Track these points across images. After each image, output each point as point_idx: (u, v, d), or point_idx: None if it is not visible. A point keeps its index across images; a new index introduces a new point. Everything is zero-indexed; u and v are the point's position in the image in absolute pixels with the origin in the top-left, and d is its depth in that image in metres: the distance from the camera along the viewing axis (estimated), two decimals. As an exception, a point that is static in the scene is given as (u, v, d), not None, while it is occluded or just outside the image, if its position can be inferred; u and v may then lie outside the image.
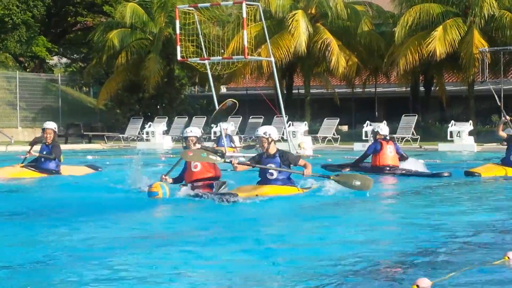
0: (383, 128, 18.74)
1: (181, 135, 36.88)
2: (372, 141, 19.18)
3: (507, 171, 17.50)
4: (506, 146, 17.91)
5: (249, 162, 13.54)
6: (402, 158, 18.54)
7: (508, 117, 17.63)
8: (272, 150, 12.99)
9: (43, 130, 18.18)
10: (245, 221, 11.29)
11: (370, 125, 31.82)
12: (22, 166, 18.04)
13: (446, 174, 17.79)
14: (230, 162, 13.46)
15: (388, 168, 18.13)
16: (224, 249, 8.72)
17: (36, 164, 18.00)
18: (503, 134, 17.47)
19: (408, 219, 11.56)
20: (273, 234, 10.06)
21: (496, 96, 18.06)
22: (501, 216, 11.81)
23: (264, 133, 12.94)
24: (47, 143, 17.85)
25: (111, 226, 10.86)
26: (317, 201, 13.26)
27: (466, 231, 10.13)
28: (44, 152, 17.79)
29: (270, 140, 12.90)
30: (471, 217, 11.69)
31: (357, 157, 19.19)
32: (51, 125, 18.22)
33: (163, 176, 13.52)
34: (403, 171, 18.19)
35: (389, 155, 18.16)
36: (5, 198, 14.76)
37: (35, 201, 14.19)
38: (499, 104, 18.23)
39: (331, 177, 14.05)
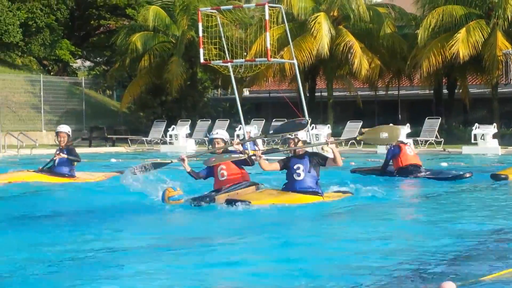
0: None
1: (205, 137, 37.01)
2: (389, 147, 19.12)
3: None
4: None
5: (271, 149, 13.65)
6: None
7: None
8: (300, 152, 12.91)
9: (57, 133, 18.16)
10: (266, 225, 11.24)
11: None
12: (38, 171, 18.06)
13: (468, 175, 17.82)
14: (254, 155, 13.43)
15: (411, 167, 18.22)
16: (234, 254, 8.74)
17: (50, 168, 18.03)
18: None
19: (432, 223, 11.56)
20: (297, 239, 10.07)
21: None
22: None
23: (291, 134, 12.94)
24: (61, 147, 17.84)
25: (122, 231, 11.01)
26: (338, 206, 13.15)
27: (490, 236, 10.01)
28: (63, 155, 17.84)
29: (296, 141, 12.84)
30: (496, 222, 11.54)
31: (383, 162, 19.28)
32: (64, 128, 18.24)
33: (183, 157, 13.45)
34: (427, 172, 18.36)
35: (409, 154, 18.35)
36: (20, 202, 14.86)
37: (48, 206, 14.12)
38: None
39: (358, 137, 14.77)
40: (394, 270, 7.65)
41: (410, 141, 31.38)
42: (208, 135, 37.38)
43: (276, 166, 13.10)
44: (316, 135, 30.13)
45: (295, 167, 12.79)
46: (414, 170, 18.20)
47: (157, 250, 9.29)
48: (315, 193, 12.96)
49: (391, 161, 18.66)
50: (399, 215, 13.05)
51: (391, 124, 14.04)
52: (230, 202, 12.59)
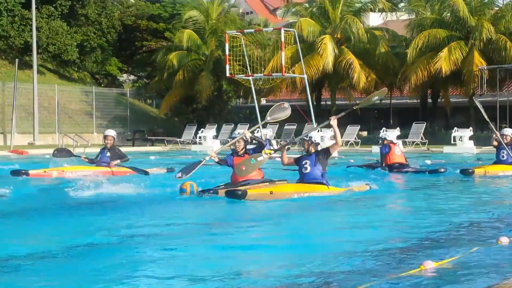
0: (389, 134, 19.15)
1: (229, 139, 37.47)
2: (381, 145, 19.07)
3: (497, 168, 17.68)
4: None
5: (282, 145, 13.44)
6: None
7: (497, 133, 17.69)
8: (312, 150, 12.69)
9: (105, 136, 18.00)
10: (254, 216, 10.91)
11: (386, 131, 31.97)
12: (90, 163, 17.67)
13: (442, 170, 17.96)
14: (273, 150, 14.05)
15: (397, 165, 18.34)
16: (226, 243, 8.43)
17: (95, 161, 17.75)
18: (495, 143, 17.73)
19: (412, 212, 11.66)
20: (291, 227, 9.95)
21: (483, 112, 18.34)
22: (492, 207, 11.89)
23: (306, 136, 12.87)
24: (108, 147, 17.61)
25: (144, 219, 10.53)
26: (332, 198, 12.70)
27: (462, 220, 10.11)
28: (108, 154, 17.54)
29: (310, 142, 12.70)
30: (466, 208, 11.79)
31: (379, 159, 19.27)
32: (111, 132, 18.06)
33: (212, 153, 13.10)
34: (409, 168, 18.37)
35: (397, 154, 18.48)
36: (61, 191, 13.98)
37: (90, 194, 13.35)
38: (485, 117, 18.50)
39: (355, 107, 15.24)
40: (380, 251, 7.53)
41: (399, 142, 32.01)
42: (231, 137, 38.08)
43: (291, 160, 12.94)
44: (321, 137, 30.32)
45: (303, 162, 12.61)
46: (400, 166, 18.31)
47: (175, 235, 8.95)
48: (320, 183, 12.65)
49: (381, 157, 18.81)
50: (386, 205, 12.87)
51: (379, 90, 14.35)
52: (211, 191, 12.58)
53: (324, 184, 12.69)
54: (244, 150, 13.04)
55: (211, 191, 12.56)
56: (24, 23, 40.50)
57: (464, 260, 6.93)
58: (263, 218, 10.74)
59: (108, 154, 17.56)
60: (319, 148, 13.15)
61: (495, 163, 18.08)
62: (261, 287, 6.18)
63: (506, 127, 21.09)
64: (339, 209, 11.99)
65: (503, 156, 17.60)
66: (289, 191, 12.60)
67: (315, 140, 12.81)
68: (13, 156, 28.23)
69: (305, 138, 12.83)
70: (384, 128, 32.91)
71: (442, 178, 17.59)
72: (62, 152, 18.70)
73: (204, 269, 6.78)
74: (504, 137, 17.50)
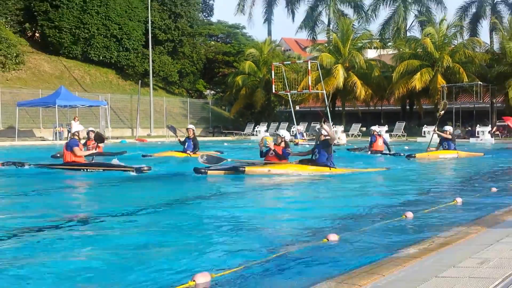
0: (376, 129, 18.25)
1: (275, 131, 37.46)
2: (371, 135, 18.12)
3: (437, 153, 16.02)
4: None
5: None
6: (387, 146, 17.70)
7: (436, 129, 16.70)
8: (321, 139, 11.37)
9: (187, 129, 16.79)
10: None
11: (378, 127, 31.73)
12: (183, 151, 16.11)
13: (401, 154, 16.40)
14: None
15: (377, 151, 17.24)
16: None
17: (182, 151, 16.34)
18: (442, 135, 16.36)
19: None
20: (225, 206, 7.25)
21: (438, 116, 17.48)
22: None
23: (319, 130, 11.73)
24: (189, 137, 16.29)
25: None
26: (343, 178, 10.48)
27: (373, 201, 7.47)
28: (191, 143, 16.13)
29: (320, 134, 11.40)
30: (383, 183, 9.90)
31: (369, 144, 18.14)
32: (191, 126, 17.01)
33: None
34: (384, 152, 17.14)
35: (379, 144, 17.54)
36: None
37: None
38: (438, 117, 17.65)
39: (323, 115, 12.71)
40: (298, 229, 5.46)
41: (387, 135, 31.59)
42: (275, 131, 38.04)
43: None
44: (335, 131, 30.41)
45: (315, 150, 11.29)
46: (379, 152, 17.19)
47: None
48: (325, 165, 11.00)
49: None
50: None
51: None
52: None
53: (328, 166, 11.05)
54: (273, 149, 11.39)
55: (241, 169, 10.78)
56: (144, 57, 40.90)
57: (367, 234, 5.17)
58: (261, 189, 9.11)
59: (192, 143, 16.24)
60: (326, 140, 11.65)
61: (437, 149, 16.51)
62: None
63: (451, 126, 19.94)
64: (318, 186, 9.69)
65: (445, 146, 16.32)
66: (283, 169, 10.89)
67: (324, 133, 11.32)
68: (137, 143, 28.60)
69: (320, 132, 11.58)
70: (377, 125, 32.66)
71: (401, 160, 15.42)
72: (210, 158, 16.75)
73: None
74: (445, 132, 16.46)
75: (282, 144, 11.48)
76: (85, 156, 12.05)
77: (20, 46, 35.95)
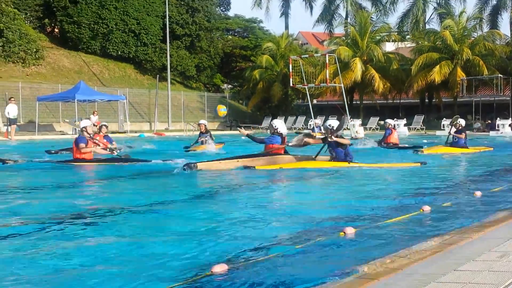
0: (391, 122, 18.03)
1: (291, 125, 37.35)
2: (386, 128, 17.98)
3: (449, 150, 15.30)
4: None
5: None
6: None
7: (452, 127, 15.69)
8: (347, 142, 10.94)
9: (199, 124, 16.95)
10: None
11: (396, 120, 31.61)
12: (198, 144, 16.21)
13: (418, 149, 15.71)
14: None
15: (392, 144, 17.07)
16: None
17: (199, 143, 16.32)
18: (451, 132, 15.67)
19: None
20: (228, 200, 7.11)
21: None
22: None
23: (329, 125, 10.87)
24: (202, 132, 16.44)
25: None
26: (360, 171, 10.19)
27: (387, 195, 7.39)
28: (207, 137, 16.22)
29: (333, 131, 10.69)
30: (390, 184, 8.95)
31: (382, 137, 18.03)
32: (203, 121, 17.12)
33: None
34: (401, 146, 17.03)
35: (394, 137, 17.46)
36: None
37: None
38: (448, 134, 16.84)
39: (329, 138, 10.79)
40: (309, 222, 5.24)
41: (405, 129, 31.40)
42: (292, 125, 37.87)
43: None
44: (353, 125, 30.30)
45: (331, 150, 10.81)
46: (394, 145, 16.98)
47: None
48: (344, 160, 10.63)
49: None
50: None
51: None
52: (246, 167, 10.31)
53: (346, 161, 10.65)
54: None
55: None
56: (162, 52, 41.07)
57: (382, 228, 5.05)
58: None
59: (209, 135, 16.41)
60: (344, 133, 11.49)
61: (451, 145, 15.58)
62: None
63: (470, 120, 19.32)
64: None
65: (455, 140, 15.70)
66: (294, 166, 10.53)
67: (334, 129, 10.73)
68: (155, 136, 28.74)
69: (329, 128, 10.77)
70: (395, 119, 32.47)
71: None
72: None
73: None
74: (459, 125, 15.76)
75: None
76: (102, 150, 12.12)
77: (39, 41, 36.36)
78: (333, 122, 11.03)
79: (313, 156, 11.09)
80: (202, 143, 16.22)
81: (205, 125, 16.81)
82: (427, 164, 11.19)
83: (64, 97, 29.27)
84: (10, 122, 23.97)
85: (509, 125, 30.46)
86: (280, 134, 11.49)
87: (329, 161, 10.83)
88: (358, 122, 31.96)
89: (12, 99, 25.23)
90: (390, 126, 17.73)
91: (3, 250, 4.39)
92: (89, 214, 5.97)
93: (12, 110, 24.00)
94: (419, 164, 11.23)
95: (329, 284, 3.30)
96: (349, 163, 10.63)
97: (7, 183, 8.88)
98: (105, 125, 15.11)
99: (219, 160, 10.84)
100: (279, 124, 11.62)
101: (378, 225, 5.24)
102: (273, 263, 3.98)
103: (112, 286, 3.51)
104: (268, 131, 11.47)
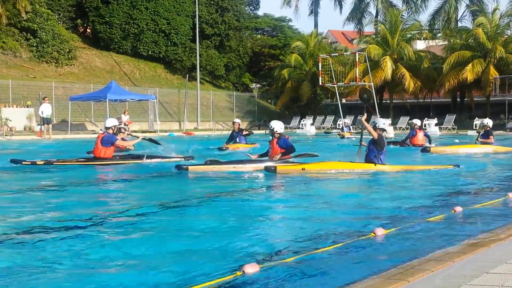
0: (417, 122, 17.50)
1: (320, 125, 37.23)
2: (410, 129, 17.89)
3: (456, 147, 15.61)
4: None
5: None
6: (429, 139, 17.11)
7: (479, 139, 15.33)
8: (375, 135, 10.41)
9: (233, 123, 17.53)
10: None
11: (427, 120, 31.24)
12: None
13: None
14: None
15: (419, 145, 16.52)
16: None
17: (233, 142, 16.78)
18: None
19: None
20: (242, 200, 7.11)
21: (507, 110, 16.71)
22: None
23: (373, 122, 10.80)
24: (235, 131, 16.96)
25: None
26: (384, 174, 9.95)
27: (412, 196, 7.28)
28: (240, 136, 16.73)
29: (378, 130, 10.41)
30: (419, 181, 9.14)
31: (404, 138, 17.89)
32: (237, 120, 17.59)
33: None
34: (424, 145, 16.47)
35: (419, 138, 17.09)
36: None
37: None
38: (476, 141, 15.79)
39: (363, 118, 11.01)
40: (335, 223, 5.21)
41: (436, 128, 30.90)
42: (321, 125, 37.74)
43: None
44: (383, 123, 29.96)
45: (369, 144, 10.55)
46: (420, 146, 16.33)
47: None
48: (371, 161, 10.28)
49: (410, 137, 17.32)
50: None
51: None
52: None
53: (373, 162, 10.29)
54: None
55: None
56: (191, 52, 41.32)
57: (410, 230, 5.01)
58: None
59: (241, 134, 16.75)
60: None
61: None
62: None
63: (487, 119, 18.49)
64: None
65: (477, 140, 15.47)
66: (319, 168, 10.26)
67: (378, 126, 10.51)
68: (185, 136, 29.01)
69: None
70: (426, 118, 32.10)
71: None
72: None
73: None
74: (485, 126, 15.44)
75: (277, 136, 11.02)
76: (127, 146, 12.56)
77: (72, 41, 37.12)
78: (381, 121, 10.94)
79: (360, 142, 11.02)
80: (236, 141, 16.52)
81: (239, 124, 17.09)
82: (460, 167, 11.00)
83: (96, 96, 29.78)
84: (44, 121, 24.51)
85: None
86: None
87: (356, 161, 10.67)
88: (387, 121, 31.45)
89: (46, 98, 25.79)
90: (416, 126, 17.32)
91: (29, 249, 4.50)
92: (128, 214, 6.02)
93: (46, 110, 24.54)
94: (452, 166, 11.08)
95: (358, 284, 3.31)
96: (375, 165, 10.36)
97: (39, 182, 9.00)
98: (124, 128, 15.38)
99: (218, 163, 10.53)
100: (276, 125, 11.33)
101: (408, 226, 5.20)
102: (304, 263, 3.99)
103: (145, 286, 3.57)
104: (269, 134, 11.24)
